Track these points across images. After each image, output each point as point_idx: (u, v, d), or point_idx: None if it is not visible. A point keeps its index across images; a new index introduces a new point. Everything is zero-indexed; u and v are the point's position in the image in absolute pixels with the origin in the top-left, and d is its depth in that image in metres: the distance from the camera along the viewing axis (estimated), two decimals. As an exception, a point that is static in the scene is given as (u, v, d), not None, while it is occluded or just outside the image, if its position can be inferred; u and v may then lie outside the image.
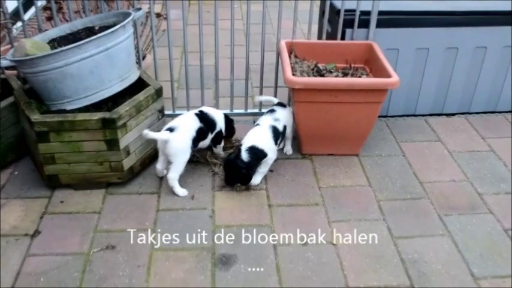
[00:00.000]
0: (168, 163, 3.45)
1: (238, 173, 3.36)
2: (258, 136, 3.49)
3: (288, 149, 3.85)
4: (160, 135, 3.33)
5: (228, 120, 3.78)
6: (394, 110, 4.45)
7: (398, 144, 4.05)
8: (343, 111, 3.56)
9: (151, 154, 3.63)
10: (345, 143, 3.77)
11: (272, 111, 3.69)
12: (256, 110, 4.37)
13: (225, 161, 3.49)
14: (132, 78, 3.56)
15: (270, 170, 3.65)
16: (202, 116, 3.55)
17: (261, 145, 3.41)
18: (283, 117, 3.64)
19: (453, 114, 4.53)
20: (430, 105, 4.47)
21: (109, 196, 3.42)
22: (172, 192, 3.44)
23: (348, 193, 3.51)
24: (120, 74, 3.43)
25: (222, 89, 4.29)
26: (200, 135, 3.48)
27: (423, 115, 4.51)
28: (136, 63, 4.02)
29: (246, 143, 3.44)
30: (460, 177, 3.70)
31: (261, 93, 4.26)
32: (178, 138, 3.35)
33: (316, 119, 3.60)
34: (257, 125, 3.62)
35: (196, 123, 3.48)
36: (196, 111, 3.60)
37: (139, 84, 3.59)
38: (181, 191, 3.46)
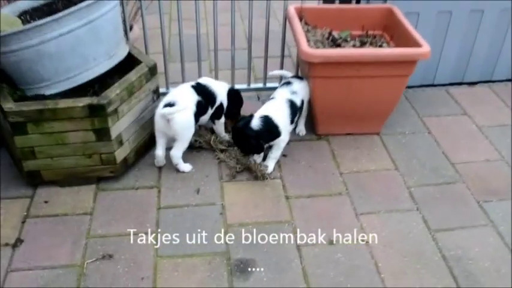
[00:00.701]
0: (167, 148, 3.06)
1: (247, 142, 2.98)
2: (274, 109, 3.06)
3: (302, 129, 3.41)
4: (172, 110, 2.89)
5: (233, 92, 3.32)
6: (411, 80, 3.92)
7: (421, 120, 3.64)
8: (366, 87, 3.12)
9: (147, 141, 3.17)
10: (366, 121, 3.34)
11: (288, 83, 3.24)
12: (260, 85, 3.89)
13: (233, 128, 3.09)
14: (121, 54, 3.06)
15: (283, 155, 3.22)
16: (199, 89, 3.11)
17: (276, 119, 2.99)
18: (300, 90, 3.20)
19: (475, 83, 4.12)
20: (450, 74, 4.05)
21: (101, 193, 2.96)
22: (176, 170, 3.08)
23: (374, 179, 3.10)
24: (106, 50, 2.92)
25: (219, 62, 3.77)
26: (199, 109, 3.05)
27: (443, 85, 4.09)
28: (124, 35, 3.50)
29: (260, 112, 3.03)
30: (494, 156, 3.31)
31: (265, 65, 3.77)
32: (182, 113, 2.92)
33: (334, 96, 3.16)
34: (271, 98, 3.16)
35: (194, 96, 3.04)
36: (193, 83, 3.16)
37: (129, 61, 3.09)
38: (186, 167, 3.09)
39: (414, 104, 3.80)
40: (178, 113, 2.89)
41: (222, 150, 3.22)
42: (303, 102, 3.19)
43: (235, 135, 3.06)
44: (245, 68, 3.82)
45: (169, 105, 2.91)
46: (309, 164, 3.20)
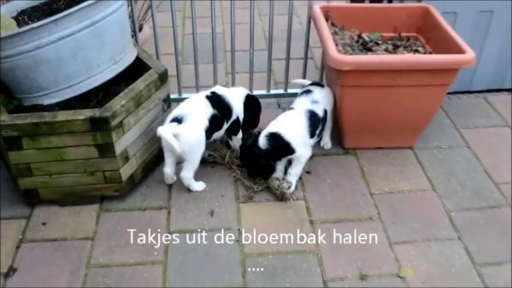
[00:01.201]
0: (178, 163, 2.75)
1: (254, 162, 2.71)
2: (287, 123, 2.75)
3: (327, 142, 3.08)
4: (169, 135, 2.55)
5: (250, 98, 2.98)
6: (446, 87, 3.64)
7: (459, 132, 3.28)
8: (401, 97, 2.78)
9: (156, 156, 2.86)
10: (399, 134, 3.01)
11: (308, 92, 2.91)
12: (281, 91, 3.58)
13: (240, 146, 2.84)
14: (128, 59, 2.75)
15: (307, 172, 2.90)
16: (215, 99, 2.77)
17: (287, 135, 2.67)
18: (322, 99, 2.88)
19: (515, 90, 3.74)
20: (489, 79, 3.68)
21: (104, 214, 2.66)
22: (188, 190, 2.78)
23: (409, 201, 2.76)
24: (112, 55, 2.62)
25: (236, 64, 3.45)
26: (214, 124, 2.73)
27: (480, 91, 3.72)
28: (132, 37, 3.20)
29: (269, 127, 2.73)
30: (544, 174, 2.95)
31: (286, 68, 3.45)
32: (190, 130, 2.61)
33: (365, 107, 2.83)
34: (290, 109, 2.85)
35: (208, 109, 2.72)
36: (208, 92, 2.82)
37: (137, 66, 2.80)
38: (199, 186, 2.79)
39: (450, 113, 3.44)
40: (186, 130, 2.57)
41: (238, 167, 2.90)
42: (325, 112, 2.86)
43: (242, 155, 2.79)
44: (264, 71, 3.51)
45: (177, 120, 2.59)
46: (335, 182, 2.87)
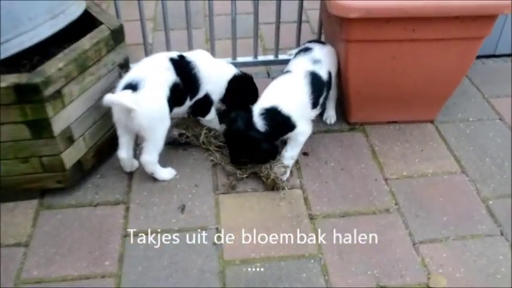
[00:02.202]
0: (136, 143, 2.18)
1: (252, 149, 2.10)
2: (284, 91, 2.16)
3: (331, 115, 2.50)
4: (122, 99, 1.95)
5: (241, 83, 2.36)
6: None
7: (488, 102, 2.70)
8: (423, 55, 2.19)
9: (112, 136, 2.25)
10: (418, 104, 2.42)
11: (307, 50, 2.32)
12: (271, 57, 2.97)
13: (227, 130, 2.17)
14: (72, 13, 2.14)
15: (304, 153, 2.31)
16: (181, 65, 2.16)
17: (286, 108, 2.10)
18: (325, 58, 2.29)
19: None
20: (515, 41, 3.07)
21: (44, 212, 2.07)
22: (153, 178, 2.18)
23: (433, 187, 2.18)
24: (49, 6, 2.02)
25: (218, 29, 2.84)
26: (174, 96, 2.10)
27: (507, 55, 3.12)
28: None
29: (263, 100, 2.13)
30: None
31: (277, 32, 2.83)
32: (149, 98, 2.00)
33: (377, 69, 2.24)
34: (286, 72, 2.25)
35: (169, 75, 2.10)
36: (174, 54, 2.20)
37: (88, 24, 2.17)
38: (167, 173, 2.21)
39: (475, 80, 2.85)
40: (145, 97, 1.97)
41: (217, 149, 2.30)
42: (330, 75, 2.26)
43: (232, 141, 2.16)
44: (250, 37, 2.89)
45: (131, 87, 1.99)
46: (340, 165, 2.28)
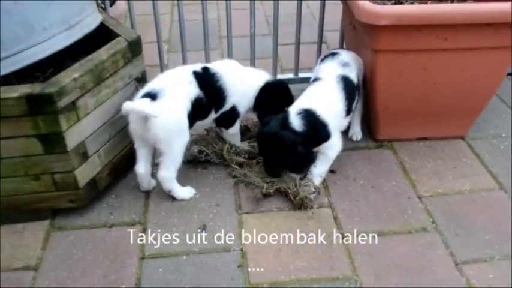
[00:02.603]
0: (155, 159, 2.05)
1: (288, 152, 1.92)
2: (320, 97, 2.05)
3: (357, 132, 2.37)
4: (139, 106, 1.85)
5: (274, 91, 2.23)
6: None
7: (520, 117, 2.56)
8: (455, 65, 2.08)
9: (129, 154, 2.13)
10: (449, 118, 2.30)
11: (333, 54, 2.22)
12: (290, 75, 2.87)
13: (260, 132, 2.01)
14: (88, 25, 2.06)
15: (331, 171, 2.17)
16: (204, 78, 2.05)
17: (324, 114, 1.97)
18: (353, 62, 2.19)
19: None
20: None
21: (56, 234, 1.93)
22: (172, 198, 2.04)
23: (472, 205, 2.04)
24: (64, 16, 1.93)
25: (234, 50, 2.75)
26: (196, 110, 1.99)
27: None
28: (102, 8, 2.54)
29: (299, 104, 2.01)
30: None
31: (297, 51, 2.75)
32: (168, 109, 1.89)
33: (407, 81, 2.12)
34: (316, 80, 2.13)
35: (192, 88, 1.99)
36: (197, 67, 2.10)
37: (105, 37, 2.08)
38: (186, 192, 2.07)
39: (503, 97, 2.73)
40: (163, 107, 1.86)
41: (239, 164, 2.17)
42: (358, 80, 2.15)
43: (265, 146, 2.01)
44: (267, 58, 2.83)
45: (150, 96, 1.88)
46: (370, 183, 2.14)
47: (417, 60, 2.05)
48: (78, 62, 1.86)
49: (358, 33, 2.19)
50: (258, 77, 2.21)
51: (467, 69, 2.09)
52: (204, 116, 2.06)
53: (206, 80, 2.05)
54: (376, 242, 1.87)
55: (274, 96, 2.21)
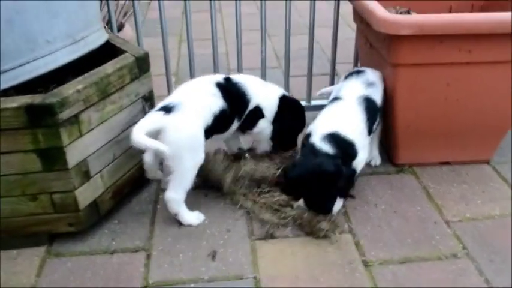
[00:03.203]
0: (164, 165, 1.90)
1: (334, 177, 1.76)
2: (340, 118, 1.91)
3: (375, 156, 2.24)
4: (151, 122, 1.76)
5: (288, 106, 2.13)
6: None
7: (546, 142, 2.43)
8: (479, 81, 1.97)
9: (135, 177, 2.00)
10: (473, 141, 2.17)
11: (359, 72, 2.11)
12: (304, 103, 2.74)
13: (296, 175, 1.83)
14: (94, 41, 1.97)
15: (350, 196, 2.02)
16: (227, 88, 1.94)
17: (349, 134, 1.84)
18: (379, 81, 2.07)
19: None
20: None
21: (52, 260, 1.77)
22: (179, 223, 1.88)
23: (504, 230, 1.88)
24: (69, 30, 1.85)
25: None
26: (219, 122, 1.88)
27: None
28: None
29: (319, 128, 1.86)
30: None
31: (309, 81, 2.67)
32: (180, 123, 1.78)
33: (428, 98, 2.01)
34: (335, 99, 2.00)
35: (215, 100, 1.88)
36: (219, 78, 1.99)
37: (113, 58, 1.99)
38: (194, 217, 1.91)
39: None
40: (175, 122, 1.75)
41: (244, 195, 2.01)
42: (382, 101, 2.05)
43: (307, 186, 1.81)
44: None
45: (166, 109, 1.77)
46: (392, 208, 1.99)
47: (439, 75, 1.94)
48: (82, 76, 1.76)
49: (375, 50, 2.10)
50: (276, 88, 2.15)
51: (492, 85, 1.98)
52: (225, 128, 1.95)
53: (230, 90, 1.95)
54: (403, 269, 1.70)
55: (290, 109, 2.12)
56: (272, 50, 3.70)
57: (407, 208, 1.99)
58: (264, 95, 2.05)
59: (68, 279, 1.68)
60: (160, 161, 1.91)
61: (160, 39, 2.52)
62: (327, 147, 1.79)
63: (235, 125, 2.00)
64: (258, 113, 2.05)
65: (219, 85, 1.91)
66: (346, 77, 2.12)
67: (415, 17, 1.80)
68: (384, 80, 2.07)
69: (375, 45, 2.08)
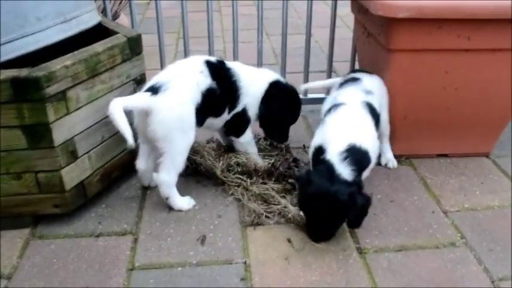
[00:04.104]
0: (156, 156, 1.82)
1: (348, 208, 1.61)
2: (350, 125, 1.78)
3: (390, 158, 2.15)
4: (135, 101, 1.68)
5: (280, 93, 2.02)
6: None
7: (546, 138, 2.38)
8: (478, 69, 1.93)
9: (125, 161, 1.95)
10: (472, 132, 2.12)
11: (354, 80, 2.02)
12: (300, 96, 2.69)
13: (307, 195, 1.64)
14: (86, 21, 1.93)
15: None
16: (217, 68, 1.87)
17: (365, 142, 1.71)
18: (376, 89, 1.96)
19: None
20: None
21: (36, 242, 1.71)
22: (168, 207, 1.82)
23: (504, 220, 1.83)
24: (59, 9, 1.81)
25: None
26: (209, 103, 1.81)
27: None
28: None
29: (335, 141, 1.70)
30: None
31: (306, 77, 2.64)
32: (168, 104, 1.71)
33: (426, 87, 1.97)
34: (338, 105, 1.88)
35: (203, 78, 1.81)
36: (211, 57, 1.93)
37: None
38: (184, 202, 1.85)
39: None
40: (163, 102, 1.70)
41: (236, 183, 1.95)
42: (380, 108, 1.95)
43: (317, 212, 1.63)
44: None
45: (153, 90, 1.72)
46: (388, 198, 1.94)
47: (437, 62, 1.90)
48: (72, 53, 1.72)
49: (372, 39, 2.05)
50: (270, 73, 2.05)
51: (491, 74, 1.94)
52: (218, 111, 1.88)
53: (220, 71, 1.87)
54: (399, 256, 1.64)
55: (283, 94, 2.02)
56: (271, 47, 3.67)
57: (404, 198, 1.93)
58: (253, 92, 1.96)
59: (51, 262, 1.62)
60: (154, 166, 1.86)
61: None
62: (346, 172, 1.63)
63: (226, 115, 1.92)
64: (244, 117, 1.96)
65: (208, 63, 1.85)
66: (342, 85, 2.04)
67: (414, 1, 1.75)
68: (381, 68, 2.00)
69: (373, 33, 2.04)
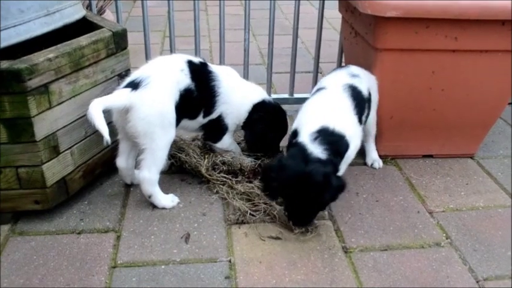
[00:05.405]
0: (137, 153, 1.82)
1: (321, 188, 1.58)
2: (328, 108, 1.77)
3: (375, 158, 2.14)
4: (116, 100, 1.64)
5: (267, 113, 2.01)
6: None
7: (528, 140, 2.40)
8: (465, 70, 1.93)
9: (107, 159, 1.91)
10: (458, 134, 2.13)
11: (342, 67, 2.07)
12: (286, 95, 2.73)
13: (284, 177, 1.62)
14: (69, 15, 1.89)
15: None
16: (198, 69, 1.85)
17: (338, 125, 1.69)
18: (364, 75, 1.95)
19: None
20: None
21: (16, 238, 1.67)
22: (152, 205, 1.80)
23: (488, 221, 1.83)
24: (42, 2, 1.76)
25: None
26: (185, 103, 1.78)
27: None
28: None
29: (307, 123, 1.70)
30: None
31: (292, 77, 2.63)
32: (149, 99, 1.68)
33: (413, 87, 1.97)
34: (319, 90, 1.89)
35: (182, 77, 1.78)
36: (194, 58, 1.90)
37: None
38: (168, 200, 1.82)
39: (507, 119, 2.57)
40: (144, 98, 1.67)
41: (221, 182, 1.93)
42: (370, 95, 1.94)
43: (292, 193, 1.62)
44: (262, 84, 2.65)
45: (133, 85, 1.69)
46: (374, 197, 1.93)
47: (424, 62, 1.90)
48: (55, 46, 1.68)
49: (360, 39, 2.05)
50: (256, 92, 2.03)
51: (477, 74, 1.95)
52: (193, 114, 1.86)
53: (200, 73, 1.85)
54: (385, 256, 1.63)
55: (269, 117, 2.00)
56: (257, 48, 3.66)
57: (390, 197, 1.93)
58: (234, 102, 1.94)
59: (31, 259, 1.58)
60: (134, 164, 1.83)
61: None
62: (318, 151, 1.62)
63: (201, 118, 1.90)
64: (220, 125, 1.95)
65: (190, 63, 1.83)
66: (332, 71, 2.03)
67: (402, 1, 1.75)
68: (368, 70, 1.98)
69: (360, 32, 2.03)
